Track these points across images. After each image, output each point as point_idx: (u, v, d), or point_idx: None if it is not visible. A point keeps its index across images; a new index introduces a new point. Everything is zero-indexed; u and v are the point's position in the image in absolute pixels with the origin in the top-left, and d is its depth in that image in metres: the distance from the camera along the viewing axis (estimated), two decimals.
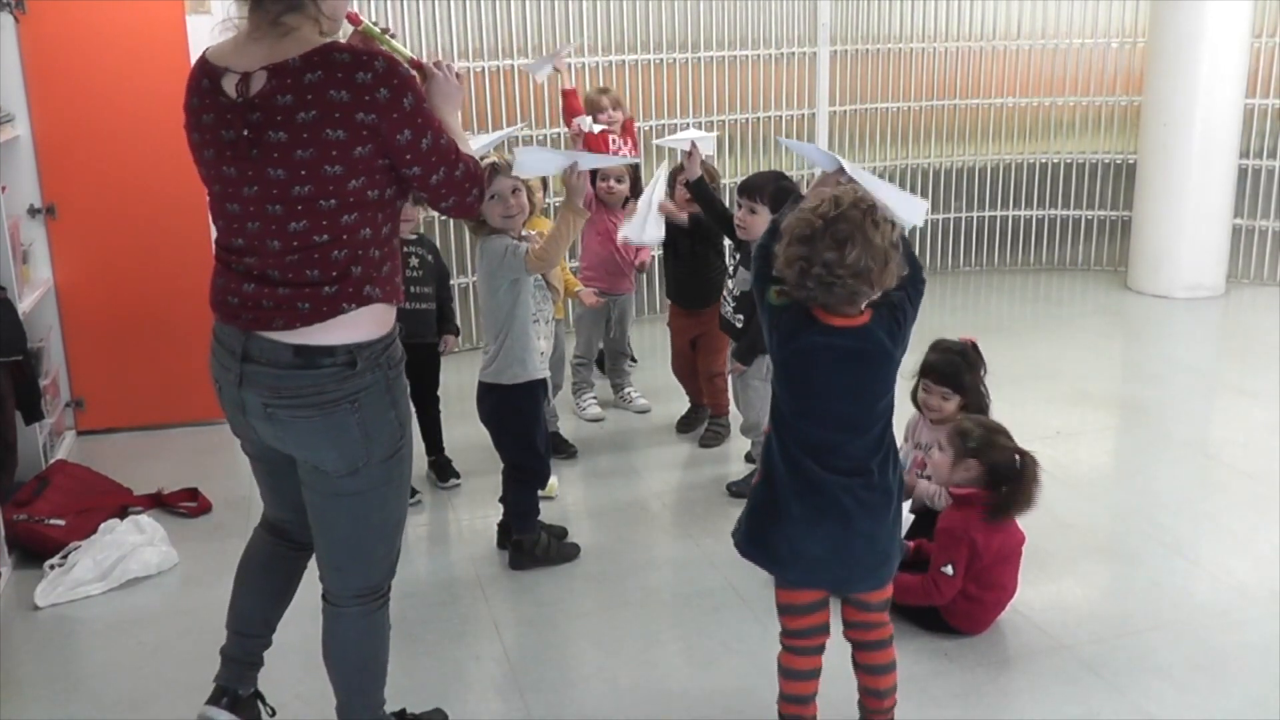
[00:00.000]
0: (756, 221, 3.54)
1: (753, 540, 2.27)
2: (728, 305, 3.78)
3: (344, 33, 2.07)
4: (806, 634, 2.29)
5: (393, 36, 2.13)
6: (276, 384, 1.98)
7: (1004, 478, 2.81)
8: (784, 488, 2.18)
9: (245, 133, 1.87)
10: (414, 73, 1.98)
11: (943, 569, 2.78)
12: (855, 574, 2.23)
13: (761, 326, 2.23)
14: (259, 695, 2.45)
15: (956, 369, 3.13)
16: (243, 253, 1.99)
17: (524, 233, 3.20)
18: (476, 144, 2.97)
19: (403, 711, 2.45)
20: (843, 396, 2.14)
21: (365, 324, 1.99)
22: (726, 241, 4.08)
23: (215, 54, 1.96)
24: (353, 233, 1.94)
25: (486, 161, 3.09)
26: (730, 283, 3.78)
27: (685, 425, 4.40)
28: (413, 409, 2.25)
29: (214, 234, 2.10)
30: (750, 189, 3.59)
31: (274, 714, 2.46)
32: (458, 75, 2.15)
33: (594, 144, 4.37)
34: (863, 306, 2.12)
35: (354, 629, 2.21)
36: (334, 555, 2.16)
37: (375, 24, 2.12)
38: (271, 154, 1.87)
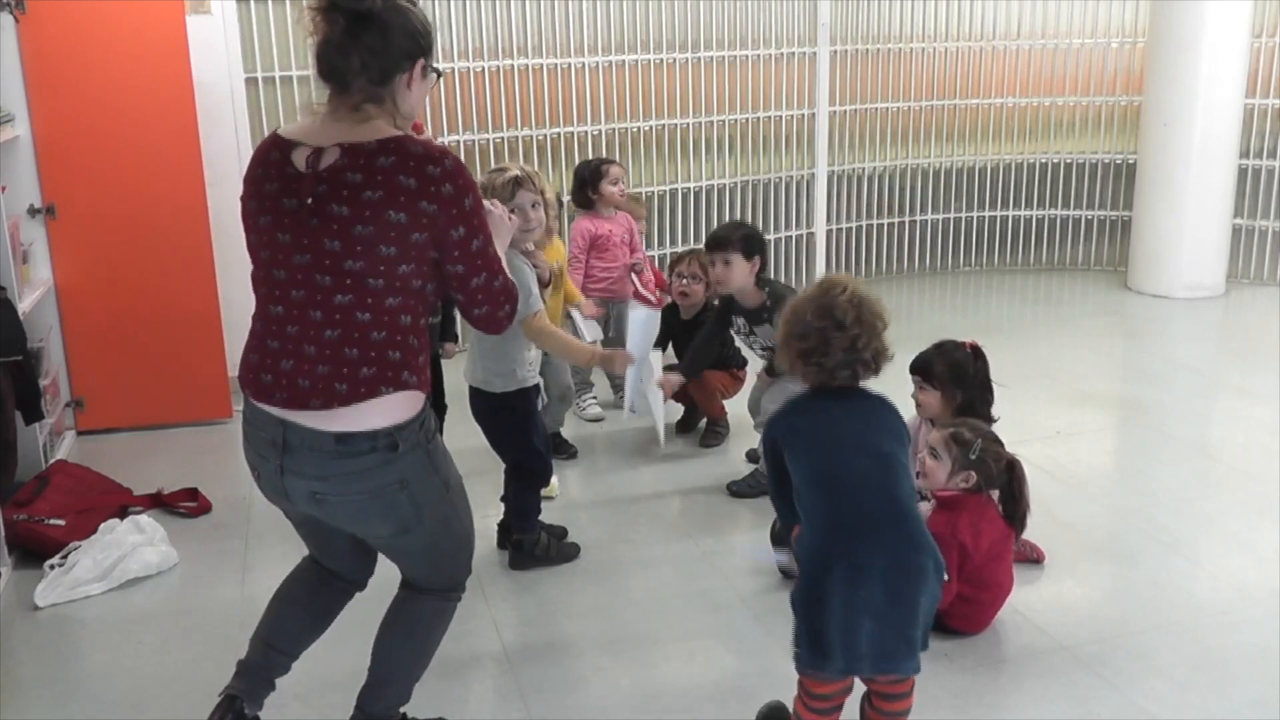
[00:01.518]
0: (732, 272, 3.64)
1: (818, 645, 2.14)
2: (760, 358, 3.85)
3: None
4: (830, 697, 2.24)
5: None
6: (322, 469, 2.00)
7: (993, 484, 2.86)
8: (823, 584, 2.11)
9: (309, 201, 1.92)
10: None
11: None
12: (897, 649, 2.15)
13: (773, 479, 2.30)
14: None
15: (925, 360, 3.19)
16: (284, 321, 2.00)
17: (529, 247, 3.19)
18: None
19: (404, 715, 2.44)
20: (860, 451, 2.16)
21: (401, 407, 2.01)
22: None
23: (288, 131, 2.03)
24: (394, 316, 1.98)
25: (509, 175, 3.10)
26: (750, 343, 3.82)
27: (685, 425, 4.41)
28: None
29: (252, 306, 2.10)
30: (719, 242, 3.67)
31: None
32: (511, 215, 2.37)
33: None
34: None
35: (427, 610, 2.30)
36: (414, 573, 2.29)
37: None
38: (330, 225, 1.92)
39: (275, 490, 2.09)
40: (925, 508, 2.96)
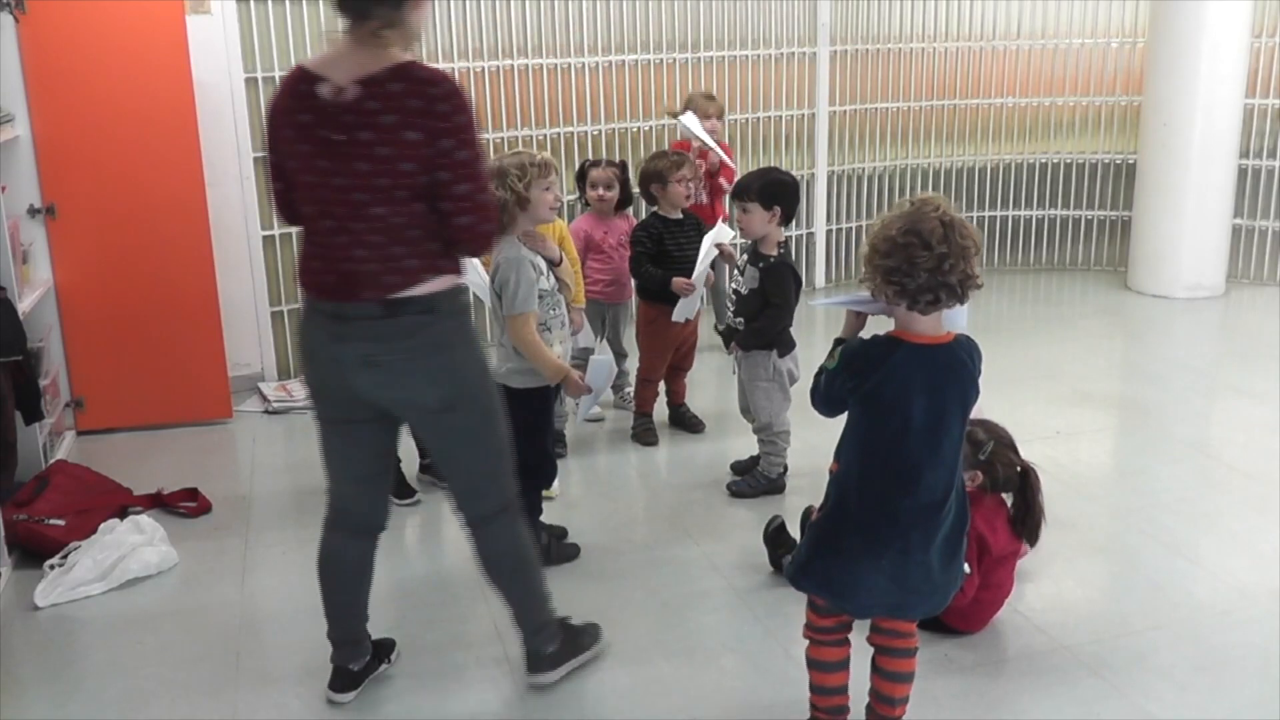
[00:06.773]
0: (752, 220, 3.63)
1: (810, 571, 2.25)
2: (727, 309, 3.78)
3: None
4: (834, 630, 2.34)
5: None
6: (371, 331, 2.28)
7: (1003, 487, 2.86)
8: (854, 520, 2.18)
9: (340, 136, 2.21)
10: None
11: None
12: (910, 601, 2.23)
13: (825, 396, 2.23)
14: (375, 645, 2.70)
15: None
16: (335, 233, 2.28)
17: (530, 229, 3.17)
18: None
19: (565, 619, 2.73)
20: (929, 419, 2.12)
21: (438, 283, 2.31)
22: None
23: (313, 64, 2.28)
24: (423, 217, 2.27)
25: (542, 156, 3.12)
26: (734, 283, 3.75)
27: (648, 438, 4.30)
28: None
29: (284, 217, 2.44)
30: (739, 190, 3.68)
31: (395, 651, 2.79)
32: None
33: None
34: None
35: (502, 539, 2.55)
36: (465, 482, 2.51)
37: None
38: (360, 150, 2.20)
39: (330, 362, 2.33)
40: None
